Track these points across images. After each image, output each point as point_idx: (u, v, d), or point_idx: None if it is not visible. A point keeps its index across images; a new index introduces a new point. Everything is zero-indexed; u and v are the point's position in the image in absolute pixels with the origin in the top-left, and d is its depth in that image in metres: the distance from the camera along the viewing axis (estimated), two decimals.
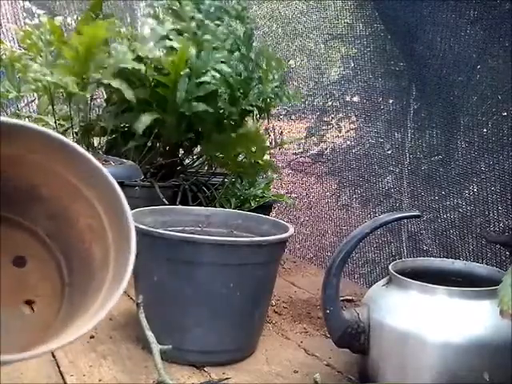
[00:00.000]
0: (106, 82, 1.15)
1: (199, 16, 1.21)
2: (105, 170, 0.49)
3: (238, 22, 1.26)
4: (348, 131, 1.67)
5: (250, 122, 1.28)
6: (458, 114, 1.23)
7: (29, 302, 0.52)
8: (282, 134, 1.86)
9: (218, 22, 1.23)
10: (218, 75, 1.15)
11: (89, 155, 0.49)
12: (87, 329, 0.41)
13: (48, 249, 0.53)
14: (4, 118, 0.45)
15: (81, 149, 0.49)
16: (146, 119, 1.15)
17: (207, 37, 1.18)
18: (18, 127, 0.46)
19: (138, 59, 1.17)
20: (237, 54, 1.20)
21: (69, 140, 0.49)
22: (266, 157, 1.40)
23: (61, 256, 0.53)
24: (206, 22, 1.20)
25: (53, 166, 0.50)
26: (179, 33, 1.18)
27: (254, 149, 1.24)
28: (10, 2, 2.06)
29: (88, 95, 1.21)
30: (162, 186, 1.25)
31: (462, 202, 1.23)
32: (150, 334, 0.66)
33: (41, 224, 0.53)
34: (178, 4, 1.20)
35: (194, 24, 1.20)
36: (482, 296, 0.66)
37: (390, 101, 1.48)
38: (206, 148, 1.29)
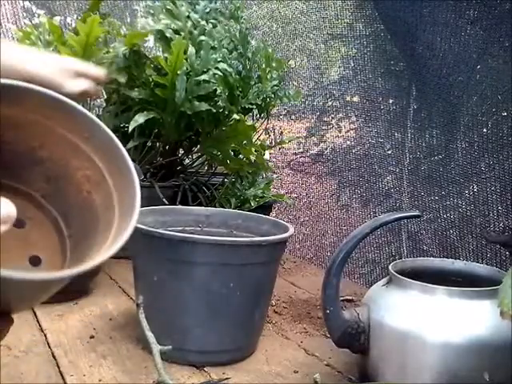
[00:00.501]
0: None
1: (195, 16, 1.21)
2: (101, 123, 0.51)
3: (232, 21, 1.27)
4: (348, 131, 1.67)
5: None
6: (457, 114, 1.23)
7: (33, 258, 0.53)
8: (282, 133, 1.86)
9: (213, 22, 1.23)
10: (218, 73, 1.15)
11: (84, 110, 0.50)
12: (106, 256, 0.43)
13: (44, 210, 0.54)
14: (7, 81, 0.46)
15: (76, 104, 0.50)
16: (140, 118, 1.15)
17: (203, 37, 1.18)
18: (15, 87, 0.47)
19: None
20: (234, 53, 1.20)
21: (63, 96, 0.50)
22: (267, 155, 1.40)
23: (57, 213, 0.55)
24: (203, 22, 1.21)
25: (50, 125, 0.51)
26: (175, 32, 1.18)
27: (245, 143, 1.24)
28: (10, 1, 2.06)
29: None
30: (162, 186, 1.25)
31: (461, 202, 1.23)
32: (149, 334, 0.66)
33: (37, 187, 0.54)
34: (172, 4, 1.20)
35: (190, 23, 1.20)
36: (482, 296, 0.66)
37: (390, 101, 1.48)
38: (205, 146, 1.29)
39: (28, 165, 0.53)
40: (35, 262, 0.53)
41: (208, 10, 1.25)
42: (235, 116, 1.16)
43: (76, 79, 0.87)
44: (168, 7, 1.20)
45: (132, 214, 0.47)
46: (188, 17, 1.21)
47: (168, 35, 1.17)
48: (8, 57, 0.73)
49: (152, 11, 1.21)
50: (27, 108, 0.49)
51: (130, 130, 1.15)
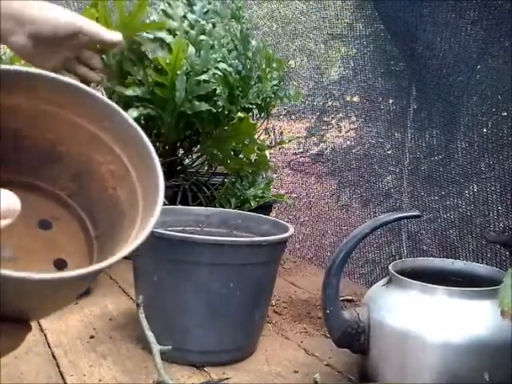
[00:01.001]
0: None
1: (192, 16, 1.21)
2: (118, 108, 0.48)
3: (233, 21, 1.27)
4: (348, 131, 1.67)
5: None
6: (457, 114, 1.23)
7: (59, 261, 0.50)
8: (282, 133, 1.86)
9: (213, 21, 1.23)
10: (218, 73, 1.15)
11: (100, 95, 0.48)
12: (123, 254, 0.41)
13: (71, 210, 0.52)
14: (16, 67, 0.43)
15: (90, 89, 0.47)
16: (133, 113, 1.14)
17: (203, 36, 1.18)
18: (32, 76, 0.44)
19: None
20: (234, 52, 1.20)
21: (76, 81, 0.47)
22: (266, 155, 1.40)
23: (84, 213, 0.52)
24: (202, 22, 1.20)
25: (67, 115, 0.48)
26: (171, 33, 1.18)
27: (247, 141, 1.23)
28: None
29: None
30: None
31: (461, 202, 1.23)
32: (149, 334, 0.66)
33: (62, 186, 0.52)
34: (167, 4, 1.20)
35: (186, 23, 1.20)
36: (482, 296, 0.66)
37: (390, 101, 1.48)
38: (205, 145, 1.29)
39: (50, 162, 0.50)
40: (60, 265, 0.50)
41: (205, 10, 1.25)
42: (239, 114, 1.16)
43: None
44: (162, 7, 1.20)
45: (154, 209, 0.44)
46: (184, 17, 1.21)
47: (162, 36, 1.16)
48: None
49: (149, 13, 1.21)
50: (42, 97, 0.46)
51: None
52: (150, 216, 0.44)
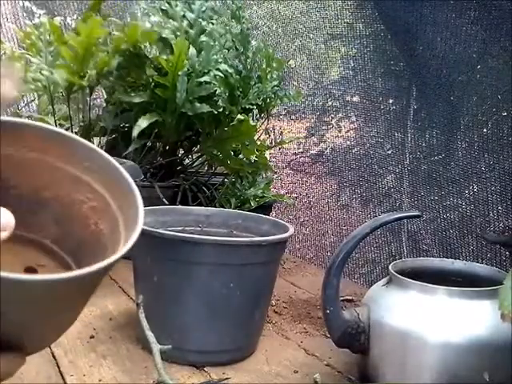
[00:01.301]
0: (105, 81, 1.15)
1: (191, 15, 1.21)
2: (98, 149, 0.50)
3: (233, 21, 1.27)
4: (348, 131, 1.67)
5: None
6: (457, 114, 1.23)
7: None
8: (282, 133, 1.86)
9: (212, 21, 1.23)
10: (220, 74, 1.15)
11: (82, 139, 0.49)
12: (95, 268, 0.42)
13: (55, 255, 0.53)
14: (3, 118, 0.45)
15: (71, 134, 0.49)
16: (142, 122, 1.15)
17: (203, 37, 1.18)
18: (17, 125, 0.46)
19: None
20: (232, 51, 1.20)
21: (58, 128, 0.49)
22: (267, 155, 1.40)
23: (68, 256, 0.53)
24: (204, 23, 1.20)
25: (50, 161, 0.50)
26: (172, 32, 1.18)
27: (247, 142, 1.24)
28: (9, 1, 2.06)
29: (86, 84, 1.19)
30: (162, 186, 1.25)
31: (461, 202, 1.23)
32: (149, 334, 0.66)
33: (46, 232, 0.53)
34: (167, 4, 1.20)
35: (185, 23, 1.20)
36: (482, 296, 0.66)
37: (390, 101, 1.48)
38: (205, 146, 1.29)
39: (34, 209, 0.51)
40: None
41: (204, 8, 1.25)
42: (239, 116, 1.16)
43: None
44: (163, 7, 1.20)
45: (131, 236, 0.45)
46: (184, 16, 1.21)
47: (164, 35, 1.16)
48: None
49: (150, 13, 1.21)
50: (26, 145, 0.48)
51: (135, 134, 1.15)
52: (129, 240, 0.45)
